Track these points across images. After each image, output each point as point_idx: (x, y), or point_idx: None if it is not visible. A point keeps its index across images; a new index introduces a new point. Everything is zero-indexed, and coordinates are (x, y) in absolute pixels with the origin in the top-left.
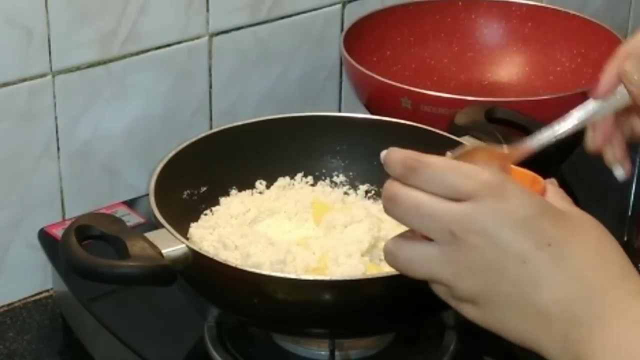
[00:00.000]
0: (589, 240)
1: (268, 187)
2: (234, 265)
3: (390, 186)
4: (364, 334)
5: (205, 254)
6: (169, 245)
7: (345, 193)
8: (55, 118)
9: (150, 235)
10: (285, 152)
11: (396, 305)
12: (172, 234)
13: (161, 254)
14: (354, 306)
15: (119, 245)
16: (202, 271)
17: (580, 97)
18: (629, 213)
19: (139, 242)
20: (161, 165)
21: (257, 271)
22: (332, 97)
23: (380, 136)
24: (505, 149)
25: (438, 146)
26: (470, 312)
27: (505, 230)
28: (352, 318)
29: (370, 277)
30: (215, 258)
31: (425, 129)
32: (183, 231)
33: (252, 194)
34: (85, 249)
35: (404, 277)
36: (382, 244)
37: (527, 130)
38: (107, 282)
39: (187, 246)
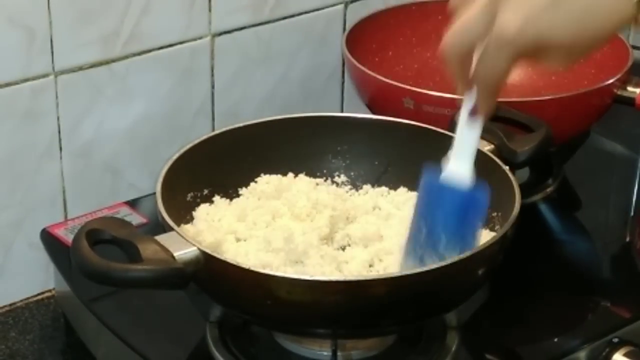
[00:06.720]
0: None
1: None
2: (246, 267)
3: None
4: (367, 335)
5: (217, 256)
6: (181, 248)
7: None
8: (58, 118)
9: (161, 238)
10: (287, 153)
11: (399, 305)
12: (182, 237)
13: (173, 257)
14: (359, 306)
15: (131, 249)
16: (214, 273)
17: (583, 97)
18: (632, 214)
19: (151, 246)
20: (166, 167)
21: (270, 272)
22: (334, 97)
23: (382, 136)
24: None
25: (440, 146)
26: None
27: None
28: (357, 318)
29: (374, 277)
30: (228, 260)
31: (427, 129)
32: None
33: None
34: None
35: (407, 277)
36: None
37: (527, 128)
38: (121, 286)
39: (199, 248)
